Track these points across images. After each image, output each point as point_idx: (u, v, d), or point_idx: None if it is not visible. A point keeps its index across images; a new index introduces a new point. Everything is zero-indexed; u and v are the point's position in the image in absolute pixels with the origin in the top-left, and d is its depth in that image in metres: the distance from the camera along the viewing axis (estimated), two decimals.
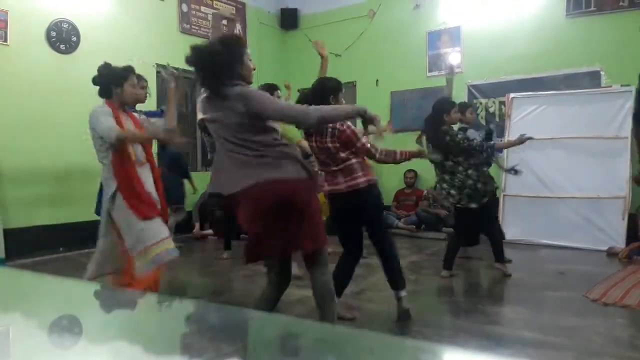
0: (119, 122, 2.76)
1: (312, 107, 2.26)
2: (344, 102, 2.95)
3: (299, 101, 3.03)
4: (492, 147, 4.18)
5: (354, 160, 2.93)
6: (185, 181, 5.82)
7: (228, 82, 2.23)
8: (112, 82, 2.84)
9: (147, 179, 2.89)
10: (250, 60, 2.33)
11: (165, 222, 2.94)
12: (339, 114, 2.41)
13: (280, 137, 2.33)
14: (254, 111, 2.18)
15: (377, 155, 3.02)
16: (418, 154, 3.34)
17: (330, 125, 2.83)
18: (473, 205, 3.98)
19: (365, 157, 3.03)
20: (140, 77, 3.20)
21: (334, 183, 2.97)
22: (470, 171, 3.96)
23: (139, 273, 2.74)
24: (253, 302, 2.60)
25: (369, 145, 2.98)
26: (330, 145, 2.89)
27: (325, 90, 2.88)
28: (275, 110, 2.23)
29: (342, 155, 2.91)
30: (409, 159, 3.25)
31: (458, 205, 4.05)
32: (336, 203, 3.04)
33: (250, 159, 2.23)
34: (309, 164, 2.47)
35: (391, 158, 3.09)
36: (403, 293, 3.11)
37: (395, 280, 3.12)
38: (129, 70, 2.89)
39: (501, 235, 4.47)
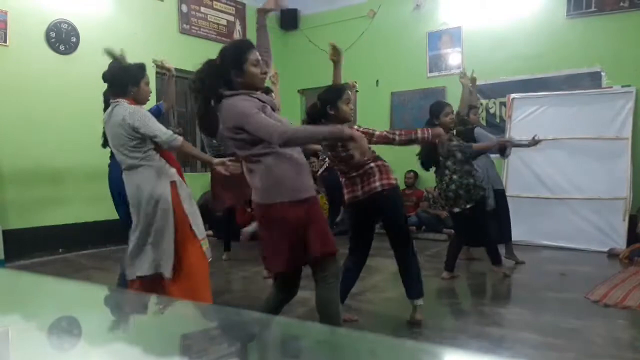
0: None
1: (283, 128, 2.11)
2: (351, 107, 2.90)
3: (307, 115, 3.04)
4: (469, 147, 4.00)
5: (372, 164, 2.92)
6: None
7: (227, 90, 2.23)
8: (130, 80, 2.84)
9: None
10: (255, 66, 2.24)
11: None
12: (312, 136, 2.26)
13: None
14: (237, 127, 2.17)
15: (397, 138, 2.93)
16: (439, 134, 3.09)
17: None
18: (456, 210, 3.97)
19: (385, 144, 2.96)
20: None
21: (353, 190, 2.98)
22: (455, 176, 3.91)
23: (208, 256, 2.89)
24: (252, 303, 2.59)
25: (385, 132, 2.95)
26: (343, 153, 2.88)
27: (324, 103, 2.89)
28: (253, 127, 2.14)
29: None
30: (431, 139, 3.06)
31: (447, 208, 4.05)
32: (354, 207, 3.05)
33: (245, 173, 2.33)
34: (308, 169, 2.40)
35: (412, 137, 2.96)
36: (418, 302, 3.08)
37: (412, 287, 3.07)
38: (143, 69, 2.91)
39: (492, 237, 4.29)
